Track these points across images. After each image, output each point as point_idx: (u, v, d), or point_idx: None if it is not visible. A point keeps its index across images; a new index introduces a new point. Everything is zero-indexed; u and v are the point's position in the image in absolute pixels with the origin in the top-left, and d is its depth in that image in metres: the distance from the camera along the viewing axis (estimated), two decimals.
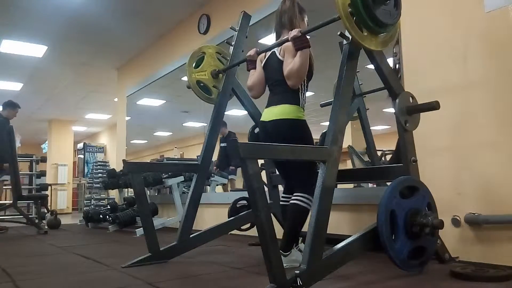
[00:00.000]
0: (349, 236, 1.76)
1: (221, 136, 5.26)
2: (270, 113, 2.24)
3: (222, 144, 5.41)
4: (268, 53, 2.36)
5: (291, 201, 2.15)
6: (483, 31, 2.17)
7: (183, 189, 4.92)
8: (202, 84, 2.73)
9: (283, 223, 2.43)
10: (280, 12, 2.32)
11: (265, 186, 2.10)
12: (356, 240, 1.74)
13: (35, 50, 6.00)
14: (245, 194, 2.95)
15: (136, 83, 6.42)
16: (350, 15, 1.70)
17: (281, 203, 2.43)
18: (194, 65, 2.73)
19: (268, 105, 2.29)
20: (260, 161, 3.21)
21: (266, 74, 2.36)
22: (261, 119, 2.32)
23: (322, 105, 3.14)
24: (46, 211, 5.65)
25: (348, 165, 3.31)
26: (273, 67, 2.30)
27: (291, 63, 2.13)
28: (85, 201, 7.43)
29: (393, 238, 1.78)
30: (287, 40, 2.11)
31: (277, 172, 2.78)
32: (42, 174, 6.95)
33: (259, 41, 3.96)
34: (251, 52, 2.41)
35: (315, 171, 2.26)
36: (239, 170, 5.31)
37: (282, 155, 1.69)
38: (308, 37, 2.09)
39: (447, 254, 2.07)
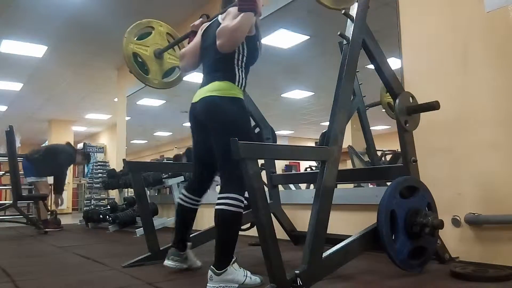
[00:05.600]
0: (349, 236, 1.76)
1: None
2: (200, 92, 1.90)
3: None
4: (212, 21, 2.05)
5: (218, 207, 1.73)
6: (483, 31, 2.17)
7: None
8: (140, 60, 2.47)
9: (179, 225, 2.10)
10: None
11: (265, 186, 2.09)
12: (356, 240, 1.74)
13: (35, 50, 6.00)
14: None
15: (136, 83, 6.39)
16: None
17: (180, 202, 2.08)
18: (136, 36, 2.46)
19: (200, 87, 1.94)
20: (260, 161, 3.21)
21: (202, 43, 2.03)
22: (191, 102, 1.96)
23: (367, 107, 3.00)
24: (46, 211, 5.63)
25: (348, 165, 3.31)
26: (211, 34, 1.93)
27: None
28: (85, 201, 7.43)
29: (393, 238, 1.78)
30: (235, 5, 1.81)
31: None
32: None
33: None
34: (196, 22, 2.17)
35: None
36: None
37: (282, 155, 1.69)
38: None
39: (447, 254, 2.07)
